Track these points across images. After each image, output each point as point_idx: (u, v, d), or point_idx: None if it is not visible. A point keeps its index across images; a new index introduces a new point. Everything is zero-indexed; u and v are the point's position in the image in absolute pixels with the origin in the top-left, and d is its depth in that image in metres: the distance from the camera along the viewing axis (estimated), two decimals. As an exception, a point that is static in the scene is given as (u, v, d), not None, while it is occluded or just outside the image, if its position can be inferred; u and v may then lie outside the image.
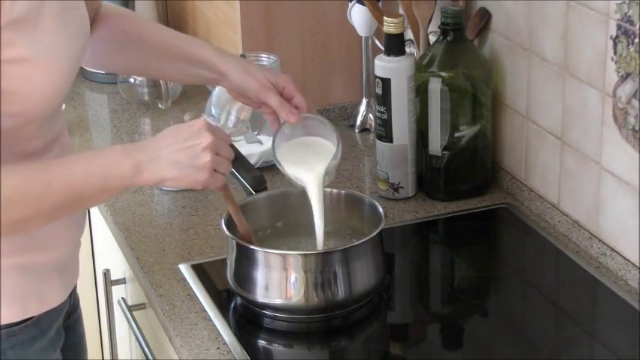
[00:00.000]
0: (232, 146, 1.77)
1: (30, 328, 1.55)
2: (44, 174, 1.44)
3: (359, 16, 2.23)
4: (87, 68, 1.68)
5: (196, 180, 1.51)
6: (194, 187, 1.53)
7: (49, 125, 1.53)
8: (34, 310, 1.55)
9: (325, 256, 1.61)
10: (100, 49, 1.73)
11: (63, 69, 1.47)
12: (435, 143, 1.98)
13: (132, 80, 2.51)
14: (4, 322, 1.52)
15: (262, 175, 1.74)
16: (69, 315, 1.69)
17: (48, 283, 1.57)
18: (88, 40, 1.57)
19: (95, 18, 1.71)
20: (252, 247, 1.62)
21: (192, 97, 2.57)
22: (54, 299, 1.59)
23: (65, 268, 1.61)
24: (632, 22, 1.62)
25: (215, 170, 1.51)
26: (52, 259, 1.57)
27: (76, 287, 1.72)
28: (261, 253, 1.62)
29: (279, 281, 1.61)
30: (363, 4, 2.18)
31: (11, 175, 1.41)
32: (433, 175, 2.01)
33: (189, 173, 1.49)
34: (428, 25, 2.10)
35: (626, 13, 1.63)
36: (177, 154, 1.49)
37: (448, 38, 1.96)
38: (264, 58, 2.22)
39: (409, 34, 2.12)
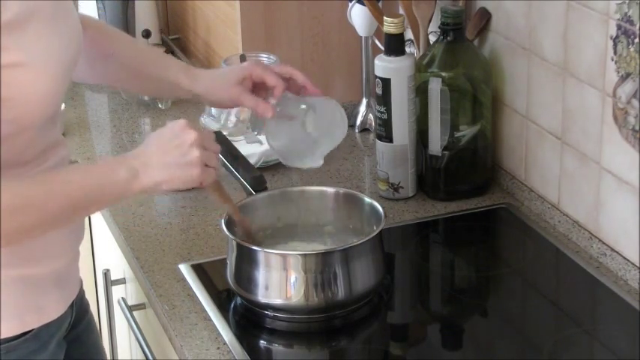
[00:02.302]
0: (232, 146, 1.77)
1: (29, 341, 1.53)
2: (44, 182, 1.44)
3: (359, 16, 2.23)
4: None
5: (190, 177, 1.51)
6: (188, 186, 1.53)
7: (44, 133, 1.52)
8: (33, 323, 1.54)
9: (325, 256, 1.61)
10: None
11: (57, 73, 1.45)
12: (435, 143, 1.98)
13: (132, 80, 2.50)
14: (2, 335, 1.50)
15: (262, 175, 1.75)
16: (73, 326, 1.66)
17: (46, 295, 1.55)
18: (81, 44, 1.56)
19: None
20: (252, 247, 1.62)
21: (192, 97, 2.57)
22: (52, 312, 1.57)
23: (64, 279, 1.59)
24: (632, 22, 1.62)
25: (206, 165, 1.52)
26: (50, 271, 1.55)
27: (83, 297, 1.71)
28: (261, 253, 1.62)
29: (279, 281, 1.60)
30: (363, 4, 2.17)
31: (12, 184, 1.40)
32: (433, 175, 2.01)
33: (182, 172, 1.50)
34: (428, 25, 2.10)
35: (626, 13, 1.63)
36: (165, 155, 1.49)
37: (448, 38, 1.96)
38: (264, 58, 2.22)
39: (409, 34, 2.12)
